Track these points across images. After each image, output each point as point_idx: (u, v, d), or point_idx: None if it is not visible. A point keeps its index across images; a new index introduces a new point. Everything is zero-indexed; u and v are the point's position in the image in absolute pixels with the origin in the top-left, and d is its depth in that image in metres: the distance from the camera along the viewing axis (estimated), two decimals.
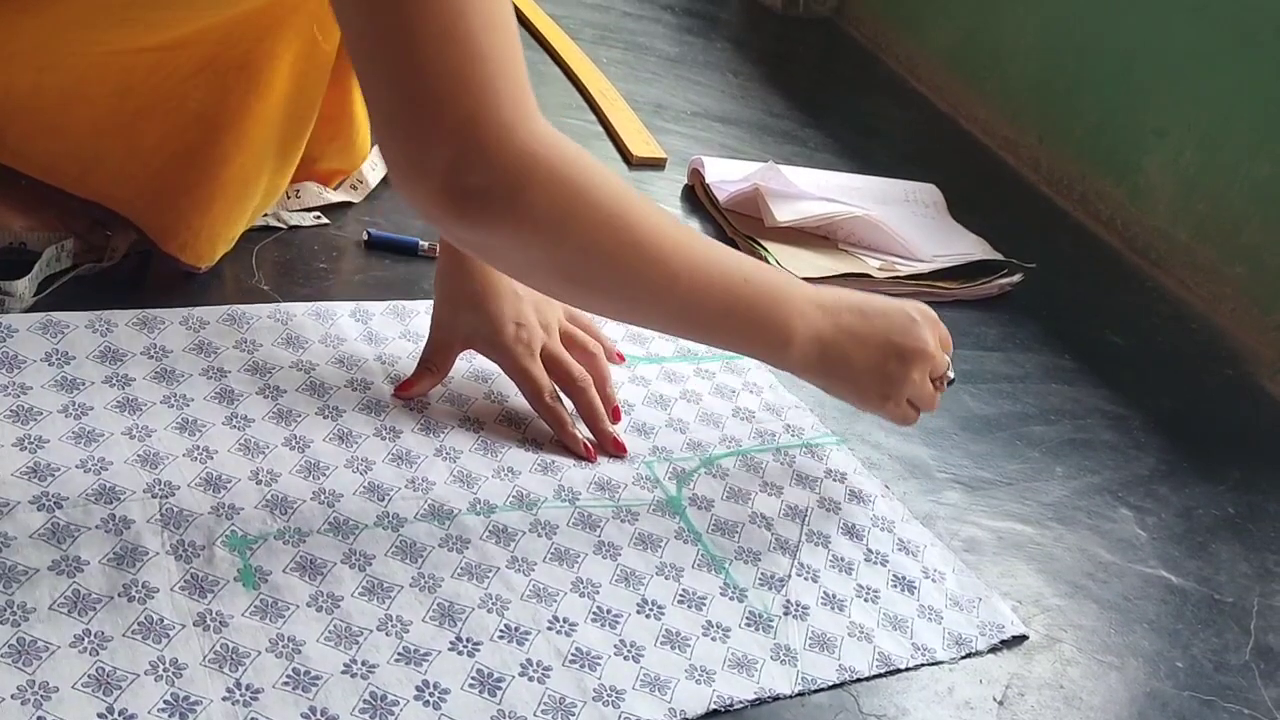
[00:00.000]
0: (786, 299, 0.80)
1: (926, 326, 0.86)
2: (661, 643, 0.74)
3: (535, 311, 0.88)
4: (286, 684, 0.64)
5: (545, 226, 0.67)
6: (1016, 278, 1.30)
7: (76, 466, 0.73)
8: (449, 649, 0.69)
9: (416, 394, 0.88)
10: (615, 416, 0.91)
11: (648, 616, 0.75)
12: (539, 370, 0.87)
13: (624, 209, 0.70)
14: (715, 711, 0.70)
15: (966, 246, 1.34)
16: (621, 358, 0.98)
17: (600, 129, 1.44)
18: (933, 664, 0.79)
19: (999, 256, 1.33)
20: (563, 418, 0.87)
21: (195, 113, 0.87)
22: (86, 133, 0.86)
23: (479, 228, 0.66)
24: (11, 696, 0.59)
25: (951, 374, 0.89)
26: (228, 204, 0.91)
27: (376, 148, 1.16)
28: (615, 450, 0.88)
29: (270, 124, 0.90)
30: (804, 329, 0.80)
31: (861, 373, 0.84)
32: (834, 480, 0.93)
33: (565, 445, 0.87)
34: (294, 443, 0.80)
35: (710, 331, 0.81)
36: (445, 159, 0.63)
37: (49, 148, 0.87)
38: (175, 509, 0.72)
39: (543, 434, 0.88)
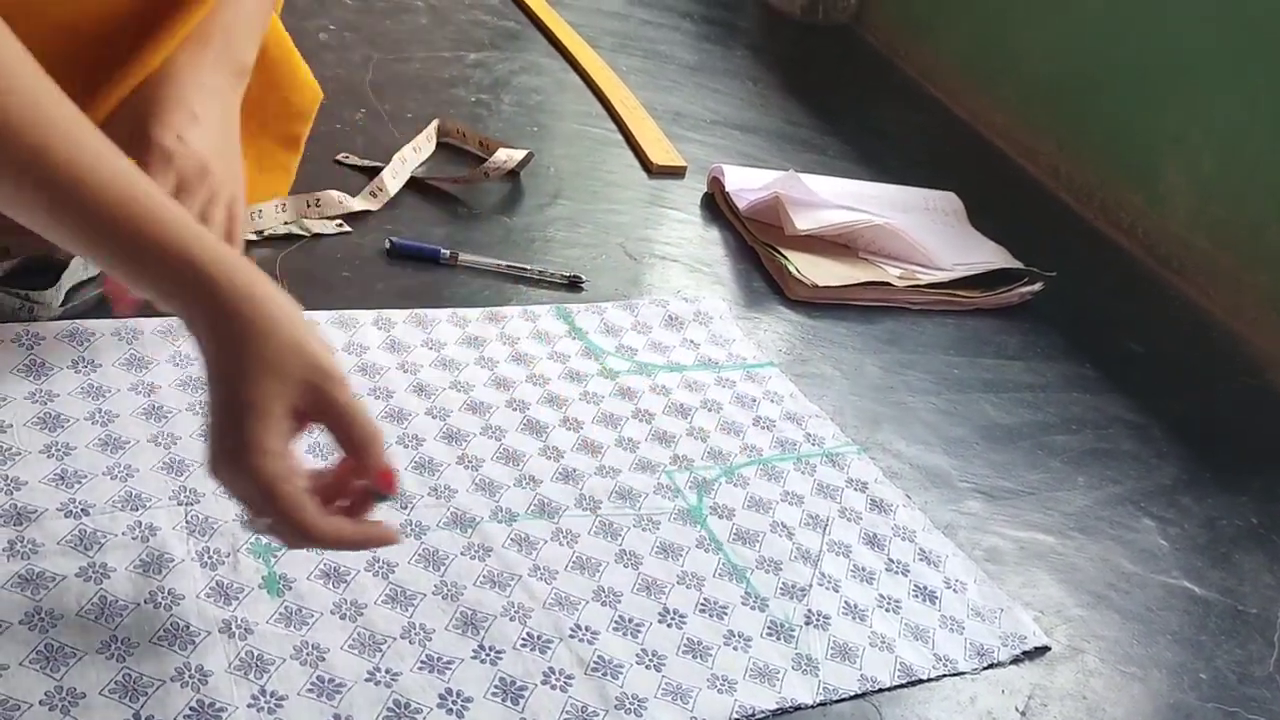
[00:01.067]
0: None
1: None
2: (683, 652, 0.74)
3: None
4: (310, 691, 0.64)
5: None
6: (1037, 286, 1.30)
7: (103, 473, 0.73)
8: (471, 657, 0.69)
9: None
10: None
11: (669, 625, 0.75)
12: None
13: None
14: None
15: (987, 255, 1.34)
16: None
17: (620, 137, 1.44)
18: (955, 674, 0.79)
19: (1020, 265, 1.32)
20: None
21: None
22: None
23: None
24: (40, 702, 0.59)
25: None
26: None
27: (399, 154, 1.17)
28: None
29: None
30: None
31: None
32: (855, 490, 0.93)
33: None
34: (317, 450, 0.81)
35: None
36: None
37: None
38: (200, 516, 0.72)
39: (565, 442, 0.88)
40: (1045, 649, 0.83)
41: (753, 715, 0.71)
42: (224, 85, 0.82)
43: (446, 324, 0.97)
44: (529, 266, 1.08)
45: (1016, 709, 0.78)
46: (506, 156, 1.21)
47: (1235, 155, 1.44)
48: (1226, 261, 1.44)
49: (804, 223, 1.24)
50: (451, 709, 0.65)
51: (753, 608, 0.79)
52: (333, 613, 0.69)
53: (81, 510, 0.70)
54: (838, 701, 0.74)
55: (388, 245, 1.05)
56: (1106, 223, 1.60)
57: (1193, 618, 0.91)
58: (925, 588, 0.85)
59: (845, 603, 0.81)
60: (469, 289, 1.04)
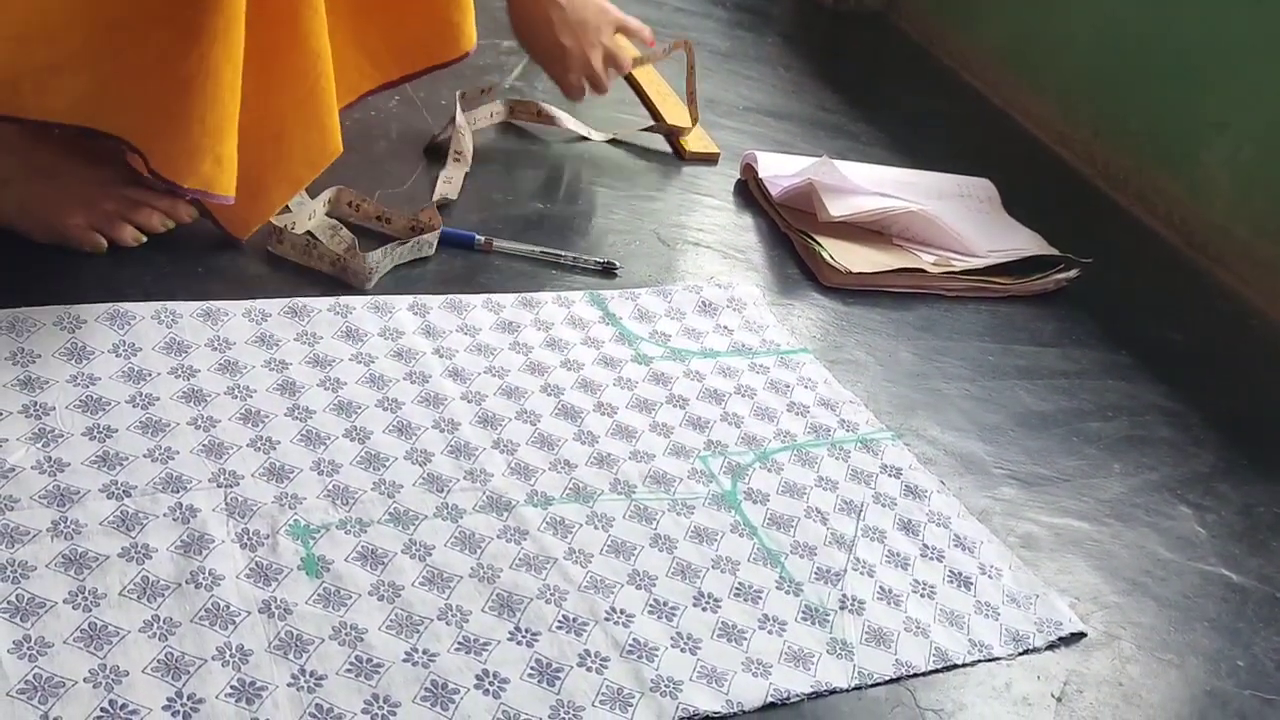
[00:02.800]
0: None
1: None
2: (718, 635, 0.74)
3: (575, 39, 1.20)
4: (349, 671, 0.65)
5: None
6: (1073, 273, 1.29)
7: (144, 455, 0.74)
8: (508, 639, 0.69)
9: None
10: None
11: (704, 609, 0.76)
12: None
13: None
14: (772, 704, 0.70)
15: (1022, 242, 1.33)
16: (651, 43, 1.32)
17: (653, 124, 1.44)
18: (990, 660, 0.78)
19: (1055, 252, 1.32)
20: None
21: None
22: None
23: None
24: (84, 680, 0.60)
25: (636, 55, 1.13)
26: (190, 102, 0.83)
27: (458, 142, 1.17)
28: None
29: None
30: None
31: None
32: (889, 475, 0.93)
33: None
34: (354, 434, 0.81)
35: None
36: None
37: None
38: (240, 498, 0.73)
39: (599, 427, 0.89)
40: (1081, 635, 0.83)
41: (787, 699, 0.71)
42: None
43: (481, 309, 0.98)
44: (564, 253, 1.08)
45: (1052, 695, 0.77)
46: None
47: (1276, 143, 1.43)
48: (1266, 250, 1.43)
49: (837, 209, 1.24)
50: (488, 690, 0.66)
51: (787, 592, 0.79)
52: (370, 594, 0.70)
53: (123, 492, 0.71)
54: (873, 686, 0.74)
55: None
56: (1144, 210, 1.59)
57: (1230, 605, 0.91)
58: (960, 573, 0.85)
59: (880, 588, 0.81)
60: (503, 275, 1.05)
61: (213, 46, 0.82)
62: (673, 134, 1.39)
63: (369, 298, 0.94)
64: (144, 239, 0.92)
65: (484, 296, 0.99)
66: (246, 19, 0.84)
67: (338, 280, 0.96)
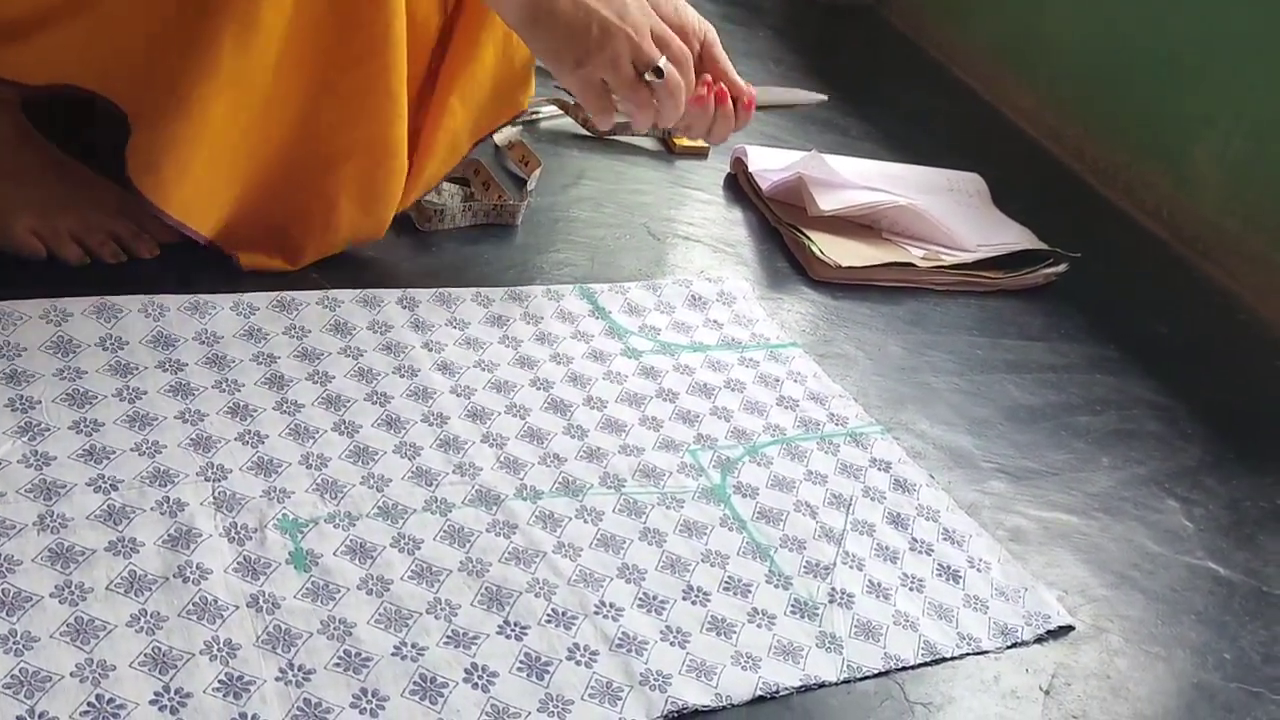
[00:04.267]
0: None
1: (639, 11, 0.87)
2: (707, 629, 0.74)
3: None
4: (338, 665, 0.65)
5: None
6: (1062, 267, 1.30)
7: (131, 449, 0.74)
8: (497, 632, 0.69)
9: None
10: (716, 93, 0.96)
11: (693, 603, 0.76)
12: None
13: None
14: (761, 697, 0.71)
15: (1011, 236, 1.33)
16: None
17: None
18: (978, 653, 0.79)
19: (1044, 246, 1.32)
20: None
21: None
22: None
23: None
24: (70, 674, 0.60)
25: (662, 65, 0.88)
26: (196, 135, 0.85)
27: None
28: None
29: (264, 66, 0.85)
30: None
31: (564, 27, 0.85)
32: (878, 469, 0.93)
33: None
34: (343, 428, 0.81)
35: None
36: None
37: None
38: (228, 492, 0.73)
39: (588, 421, 0.89)
40: (1069, 628, 0.83)
41: (777, 692, 0.71)
42: None
43: (471, 303, 0.98)
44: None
45: (1040, 688, 0.78)
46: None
47: (1266, 137, 1.43)
48: (1255, 244, 1.43)
49: (827, 203, 1.24)
50: (477, 683, 0.66)
51: (776, 586, 0.79)
52: (359, 588, 0.69)
53: (110, 486, 0.71)
54: (861, 679, 0.74)
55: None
56: (1132, 205, 1.59)
57: (1217, 598, 0.91)
58: (949, 567, 0.85)
59: (869, 581, 0.81)
60: (493, 268, 1.04)
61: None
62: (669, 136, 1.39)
63: (359, 291, 0.94)
64: (88, 260, 0.89)
65: (473, 290, 0.99)
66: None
67: (327, 274, 0.96)
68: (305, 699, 0.62)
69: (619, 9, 0.86)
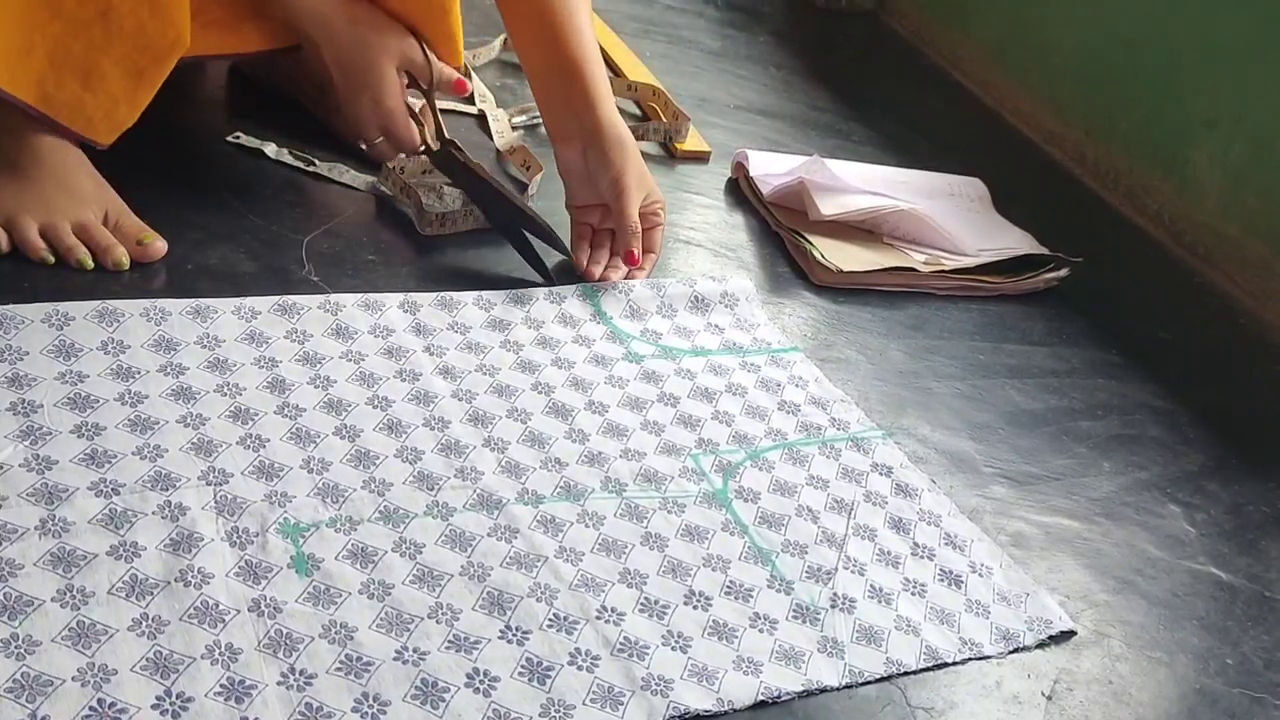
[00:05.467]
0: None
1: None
2: (709, 634, 0.74)
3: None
4: (339, 670, 0.64)
5: None
6: (1063, 272, 1.29)
7: (133, 453, 0.74)
8: (499, 637, 0.69)
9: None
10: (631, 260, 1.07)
11: (695, 607, 0.76)
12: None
13: None
14: (763, 703, 0.70)
15: (1012, 241, 1.33)
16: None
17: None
18: (980, 658, 0.79)
19: (1045, 251, 1.32)
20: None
21: None
22: None
23: None
24: (72, 679, 0.60)
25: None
26: None
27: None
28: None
29: None
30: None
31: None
32: (880, 474, 0.93)
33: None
34: (344, 432, 0.81)
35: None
36: None
37: None
38: (229, 496, 0.73)
39: (590, 425, 0.89)
40: (1071, 634, 0.83)
41: (778, 697, 0.71)
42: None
43: (472, 307, 0.98)
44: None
45: (1042, 693, 0.78)
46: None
47: (1267, 141, 1.43)
48: (1256, 249, 1.43)
49: (828, 208, 1.24)
50: (479, 688, 0.66)
51: (778, 590, 0.79)
52: (360, 592, 0.69)
53: (112, 489, 0.71)
54: (863, 684, 0.74)
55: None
56: (1134, 209, 1.59)
57: (1219, 604, 0.91)
58: (950, 572, 0.85)
59: (871, 586, 0.81)
60: (495, 273, 1.04)
61: None
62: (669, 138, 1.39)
63: (360, 295, 0.94)
64: (51, 260, 0.88)
65: (475, 294, 0.99)
66: None
67: (328, 279, 0.96)
68: (307, 703, 0.62)
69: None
